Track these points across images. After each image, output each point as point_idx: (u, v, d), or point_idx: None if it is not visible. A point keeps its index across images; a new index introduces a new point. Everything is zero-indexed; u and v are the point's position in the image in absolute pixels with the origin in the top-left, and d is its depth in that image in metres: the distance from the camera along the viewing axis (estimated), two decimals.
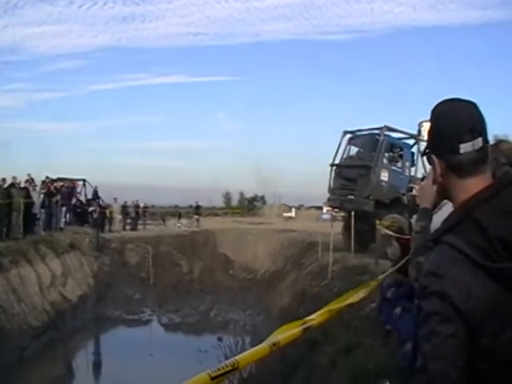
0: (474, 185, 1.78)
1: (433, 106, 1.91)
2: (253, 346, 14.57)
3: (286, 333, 3.19)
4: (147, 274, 26.46)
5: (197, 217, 37.14)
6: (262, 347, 2.88)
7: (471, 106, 1.84)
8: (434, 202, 2.58)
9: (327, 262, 16.34)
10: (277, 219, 45.61)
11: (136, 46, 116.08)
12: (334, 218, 20.78)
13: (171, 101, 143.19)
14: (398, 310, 6.14)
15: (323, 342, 10.09)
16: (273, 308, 20.49)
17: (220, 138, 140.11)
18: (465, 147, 1.77)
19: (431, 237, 1.89)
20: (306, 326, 3.37)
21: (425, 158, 2.12)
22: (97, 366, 17.58)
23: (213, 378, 2.36)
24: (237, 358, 2.61)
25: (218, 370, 2.42)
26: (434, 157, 1.89)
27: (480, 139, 1.78)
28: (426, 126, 2.02)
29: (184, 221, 36.25)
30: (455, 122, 1.80)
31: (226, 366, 2.48)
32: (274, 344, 2.92)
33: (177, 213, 41.85)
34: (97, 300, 22.86)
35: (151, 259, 26.89)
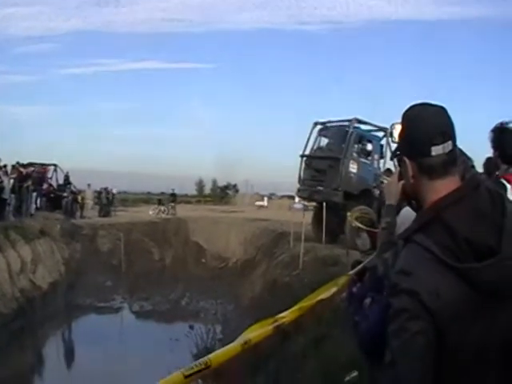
0: (443, 186, 1.85)
1: (404, 110, 1.97)
2: (224, 334, 14.67)
3: (258, 331, 3.23)
4: (119, 261, 26.26)
5: (172, 204, 36.81)
6: (234, 346, 2.94)
7: (441, 111, 1.91)
8: (400, 201, 2.64)
9: (298, 252, 16.41)
10: (249, 208, 45.67)
11: (110, 31, 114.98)
12: (306, 208, 20.86)
13: (145, 87, 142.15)
14: (367, 300, 6.24)
15: (294, 333, 10.18)
16: (244, 297, 20.57)
17: (193, 126, 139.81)
18: (436, 150, 1.83)
19: (402, 236, 1.93)
20: (277, 323, 3.43)
21: (395, 159, 2.18)
22: (68, 354, 17.44)
23: (186, 377, 2.41)
24: (209, 356, 2.67)
25: (191, 368, 2.48)
26: (405, 159, 1.95)
27: (450, 142, 1.85)
28: (398, 128, 2.08)
29: (163, 207, 35.79)
30: (427, 125, 1.86)
31: (200, 364, 2.53)
32: (246, 342, 2.97)
33: (156, 200, 40.99)
34: (68, 287, 22.58)
35: (123, 246, 26.73)
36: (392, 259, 2.31)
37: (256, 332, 3.21)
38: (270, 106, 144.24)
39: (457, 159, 1.90)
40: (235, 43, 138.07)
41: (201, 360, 2.57)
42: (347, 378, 6.10)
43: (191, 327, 18.16)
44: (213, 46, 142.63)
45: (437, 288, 1.69)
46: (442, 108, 1.92)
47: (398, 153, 2.05)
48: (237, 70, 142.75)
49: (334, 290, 4.60)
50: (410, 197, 2.10)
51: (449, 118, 1.91)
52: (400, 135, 2.01)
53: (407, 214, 2.58)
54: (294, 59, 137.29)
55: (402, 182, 2.14)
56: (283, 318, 3.56)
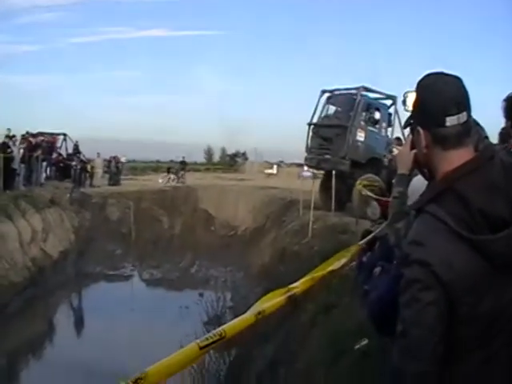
0: (457, 157, 1.83)
1: (419, 79, 1.95)
2: (233, 302, 14.76)
3: (271, 301, 3.25)
4: (128, 229, 26.39)
5: (182, 172, 36.57)
6: (248, 316, 2.95)
7: (457, 81, 1.88)
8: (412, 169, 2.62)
9: (308, 220, 16.40)
10: (258, 176, 45.56)
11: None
12: (315, 176, 20.80)
13: (152, 55, 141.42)
14: (377, 269, 6.24)
15: (303, 301, 10.22)
16: (253, 265, 20.63)
17: (203, 94, 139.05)
18: (451, 120, 1.81)
19: (414, 206, 1.93)
20: (289, 293, 3.43)
21: (408, 128, 2.15)
22: (78, 322, 17.70)
23: (201, 348, 2.43)
24: (224, 327, 2.68)
25: (206, 339, 2.50)
26: (419, 128, 1.93)
27: (465, 113, 1.84)
28: (411, 97, 2.05)
29: (173, 176, 35.63)
30: (442, 95, 1.84)
31: (214, 335, 2.55)
32: (259, 313, 2.99)
33: (166, 168, 40.65)
34: (78, 256, 22.83)
35: (132, 215, 26.86)
36: (404, 229, 2.29)
37: (269, 302, 3.22)
38: (279, 74, 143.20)
39: (471, 130, 1.87)
40: (243, 8, 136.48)
41: (215, 331, 2.59)
42: (357, 346, 6.14)
43: (201, 295, 18.33)
44: (222, 12, 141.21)
45: (449, 259, 1.69)
46: (458, 78, 1.90)
47: (412, 122, 2.02)
48: (245, 36, 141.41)
49: (344, 260, 4.58)
50: (422, 166, 2.07)
51: (464, 88, 1.88)
52: (414, 104, 1.98)
53: (418, 184, 2.55)
54: (304, 26, 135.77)
55: (414, 151, 2.11)
56: (295, 287, 3.56)
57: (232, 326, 2.79)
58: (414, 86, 1.97)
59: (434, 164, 1.91)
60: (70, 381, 11.59)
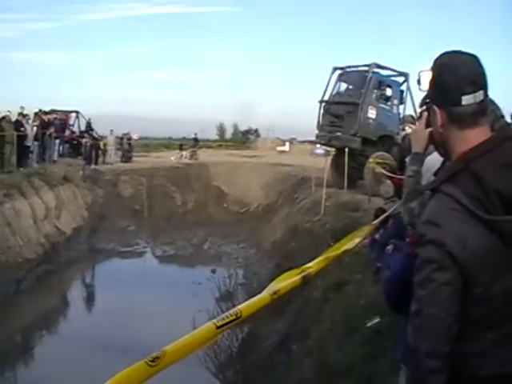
0: (473, 137, 1.82)
1: (435, 57, 1.94)
2: (245, 278, 14.83)
3: (286, 281, 3.26)
4: (141, 206, 26.57)
5: (194, 149, 36.54)
6: (263, 296, 2.96)
7: (473, 60, 1.87)
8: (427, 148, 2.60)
9: (320, 197, 16.38)
10: (270, 153, 45.51)
11: None
12: (327, 154, 20.76)
13: (165, 31, 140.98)
14: (389, 247, 6.24)
15: (315, 277, 10.26)
16: (265, 242, 20.70)
17: (216, 70, 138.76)
18: (467, 99, 1.80)
19: (430, 186, 1.93)
20: (304, 273, 3.43)
21: (423, 107, 2.13)
22: (91, 298, 17.90)
23: (218, 327, 2.46)
24: (239, 307, 2.70)
25: (223, 319, 2.53)
26: (435, 107, 1.92)
27: (481, 92, 1.82)
28: (426, 76, 2.03)
29: (185, 153, 35.61)
30: (458, 74, 1.82)
31: (230, 315, 2.58)
32: (275, 292, 3.01)
33: (178, 145, 40.49)
34: (91, 232, 23.04)
35: (145, 191, 26.97)
36: (418, 208, 2.27)
37: (284, 282, 3.24)
38: (292, 50, 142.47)
39: (487, 109, 1.86)
40: None
41: (232, 311, 2.62)
42: (369, 324, 6.17)
43: (213, 271, 18.42)
44: None
45: (465, 239, 1.69)
46: (475, 56, 1.88)
47: (427, 101, 2.01)
48: (260, 13, 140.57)
49: (358, 240, 4.58)
50: (438, 145, 2.06)
51: (481, 66, 1.86)
52: (430, 83, 1.97)
53: (432, 162, 2.53)
54: (318, 4, 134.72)
55: (429, 129, 2.08)
56: (310, 267, 3.56)
57: (248, 305, 2.81)
58: (429, 64, 1.95)
59: (450, 143, 1.90)
60: (83, 356, 11.71)
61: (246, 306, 2.75)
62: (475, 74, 1.83)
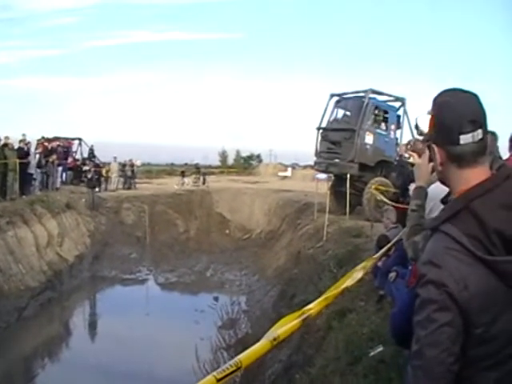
0: (473, 176, 1.82)
1: (435, 96, 1.94)
2: (248, 305, 14.75)
3: (286, 326, 3.26)
4: (143, 233, 26.46)
5: (198, 176, 36.47)
6: (263, 343, 2.97)
7: (473, 98, 1.86)
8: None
9: (323, 223, 16.37)
10: (272, 178, 45.61)
11: (133, 3, 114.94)
12: (329, 178, 20.77)
13: (168, 58, 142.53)
14: (392, 274, 6.25)
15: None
16: (268, 268, 20.65)
17: (216, 96, 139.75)
18: (465, 138, 1.80)
19: (430, 225, 1.91)
20: (304, 316, 3.44)
21: (415, 132, 2.16)
22: (94, 326, 17.76)
23: (219, 380, 2.46)
24: (239, 357, 2.71)
25: (223, 371, 2.54)
26: (434, 146, 1.92)
27: (480, 131, 1.81)
28: (422, 120, 2.05)
29: (187, 179, 35.61)
30: (456, 112, 1.82)
31: (231, 366, 2.59)
32: (275, 339, 3.01)
33: (179, 171, 40.50)
34: (93, 259, 22.97)
35: (147, 218, 26.94)
36: (422, 243, 2.27)
37: (284, 327, 3.24)
38: (294, 77, 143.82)
39: (487, 148, 1.85)
40: (258, 11, 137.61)
41: (231, 362, 2.63)
42: (372, 353, 6.12)
43: (216, 298, 18.36)
44: (238, 15, 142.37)
45: (465, 280, 1.68)
46: (474, 94, 1.88)
47: (428, 140, 2.02)
48: (260, 39, 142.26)
49: (359, 275, 4.59)
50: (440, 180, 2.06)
51: (480, 105, 1.86)
52: (430, 122, 1.96)
53: (435, 191, 2.54)
54: (322, 26, 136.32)
55: (432, 163, 2.09)
56: (310, 309, 3.57)
57: (248, 355, 2.82)
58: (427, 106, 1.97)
59: (450, 182, 1.91)
60: (85, 382, 11.66)
61: (246, 356, 2.76)
62: (474, 112, 1.83)
